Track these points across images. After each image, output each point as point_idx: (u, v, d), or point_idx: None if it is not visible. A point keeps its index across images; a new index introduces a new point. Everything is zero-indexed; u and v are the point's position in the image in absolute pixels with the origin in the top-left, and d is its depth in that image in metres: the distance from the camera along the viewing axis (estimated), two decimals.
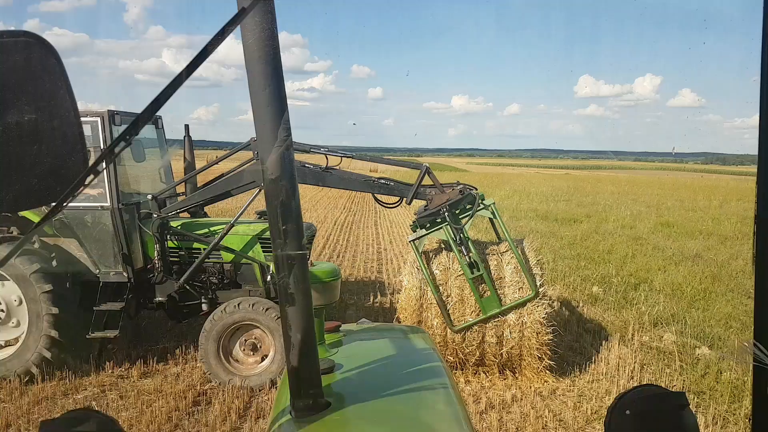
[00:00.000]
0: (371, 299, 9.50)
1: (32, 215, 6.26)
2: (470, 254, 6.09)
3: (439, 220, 6.25)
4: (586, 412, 5.67)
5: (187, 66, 0.87)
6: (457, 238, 6.10)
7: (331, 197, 27.79)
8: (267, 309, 5.97)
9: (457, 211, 6.20)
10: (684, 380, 6.49)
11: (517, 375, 6.37)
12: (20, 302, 6.08)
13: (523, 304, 6.08)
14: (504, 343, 6.20)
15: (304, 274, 1.52)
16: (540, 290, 6.12)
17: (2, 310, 6.08)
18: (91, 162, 0.87)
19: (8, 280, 6.05)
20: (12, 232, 6.33)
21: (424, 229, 6.34)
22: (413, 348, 2.43)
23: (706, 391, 6.16)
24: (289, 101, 1.46)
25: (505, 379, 6.37)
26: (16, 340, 6.15)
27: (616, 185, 47.13)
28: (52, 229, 6.37)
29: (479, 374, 6.46)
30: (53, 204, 0.92)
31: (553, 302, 7.91)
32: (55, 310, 5.97)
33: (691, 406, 1.31)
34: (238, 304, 6.05)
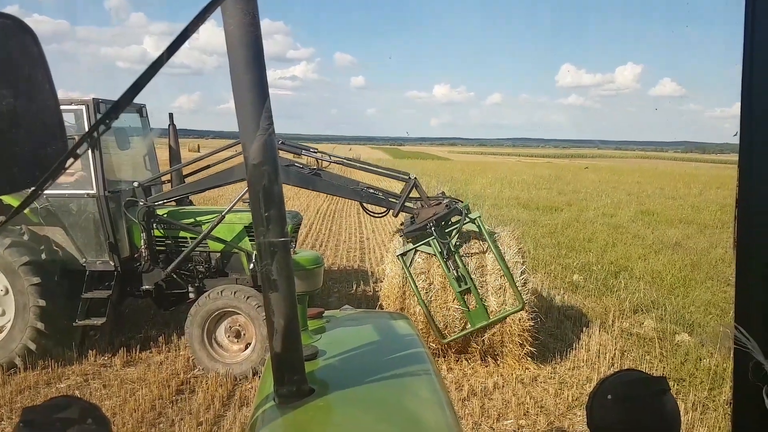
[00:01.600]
0: (354, 287, 9.53)
1: (12, 200, 6.15)
2: (458, 268, 6.15)
3: (425, 233, 6.28)
4: (567, 399, 5.76)
5: (167, 48, 0.86)
6: (444, 251, 6.14)
7: None
8: (248, 297, 5.99)
9: (443, 224, 6.24)
10: (664, 367, 6.62)
11: (498, 362, 6.44)
12: (6, 293, 6.00)
13: (510, 314, 6.17)
14: (486, 330, 6.27)
15: (287, 261, 1.52)
16: (524, 299, 6.18)
17: None
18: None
19: None
20: None
21: (411, 243, 6.39)
22: (396, 334, 2.44)
23: (686, 377, 6.29)
24: (270, 90, 1.46)
25: (486, 367, 6.45)
26: (1, 330, 6.07)
27: (597, 173, 47.60)
28: (38, 218, 6.28)
29: (461, 361, 6.52)
30: (32, 189, 0.91)
31: (534, 291, 8.01)
32: (42, 303, 5.92)
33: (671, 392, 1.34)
34: (221, 291, 6.07)
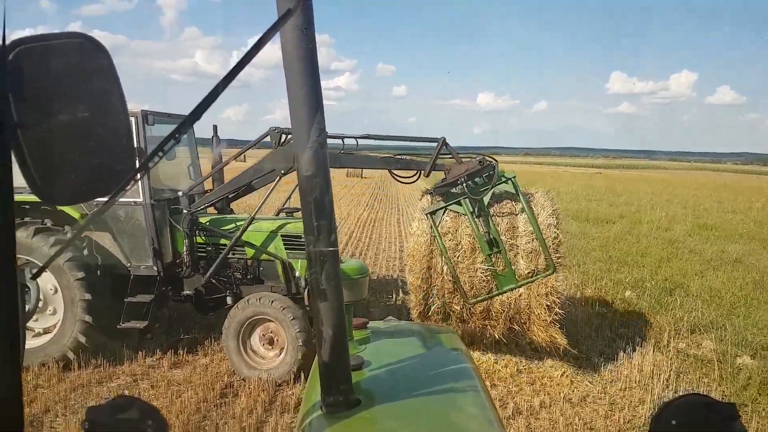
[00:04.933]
0: (394, 297, 9.52)
1: (71, 210, 6.47)
2: (489, 230, 6.01)
3: (456, 191, 6.14)
4: (618, 421, 5.58)
5: (236, 65, 0.90)
6: (476, 210, 6.01)
7: (354, 194, 27.89)
8: (272, 301, 6.14)
9: (477, 183, 6.08)
10: (723, 390, 6.35)
11: (525, 327, 6.26)
12: (56, 291, 6.30)
13: (539, 278, 6.02)
14: (512, 293, 6.14)
15: (336, 270, 1.55)
16: (557, 263, 6.03)
17: (40, 299, 6.30)
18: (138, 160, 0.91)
19: (44, 270, 6.26)
20: (46, 223, 6.54)
21: (441, 202, 6.25)
22: (442, 348, 2.43)
23: (748, 403, 6.00)
24: None
25: (532, 384, 6.32)
26: (54, 326, 6.38)
27: (650, 185, 46.20)
28: (84, 220, 6.57)
29: (486, 344, 6.52)
30: (103, 198, 0.96)
31: (581, 303, 7.82)
32: (88, 296, 6.20)
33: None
34: (248, 300, 6.26)
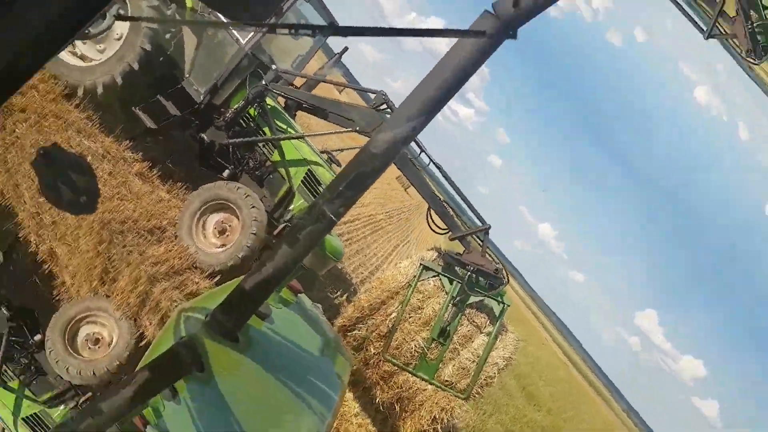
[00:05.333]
0: (337, 295, 9.47)
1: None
2: (450, 323, 6.06)
3: (458, 272, 6.22)
4: None
5: (422, 30, 0.91)
6: (456, 299, 6.08)
7: (387, 197, 27.89)
8: (253, 206, 6.06)
9: (479, 280, 6.14)
10: None
11: (403, 416, 6.37)
12: (121, 38, 6.32)
13: (450, 393, 6.14)
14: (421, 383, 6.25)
15: (320, 234, 1.56)
16: (473, 394, 6.13)
17: (111, 26, 6.23)
18: None
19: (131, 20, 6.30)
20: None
21: (439, 266, 6.36)
22: (331, 365, 2.42)
23: None
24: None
25: None
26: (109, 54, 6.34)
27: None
28: (192, 12, 6.58)
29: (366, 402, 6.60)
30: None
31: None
32: (148, 47, 6.23)
33: None
34: (237, 188, 6.19)
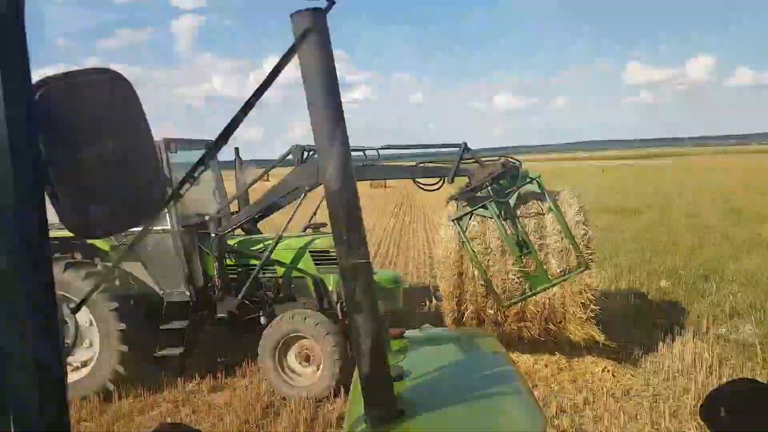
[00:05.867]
0: (427, 305, 9.45)
1: (101, 243, 6.59)
2: (517, 231, 5.99)
3: (482, 195, 6.16)
4: (663, 413, 5.45)
5: (258, 88, 0.91)
6: (502, 212, 6.00)
7: (379, 204, 27.91)
8: (305, 318, 6.14)
9: (502, 185, 6.09)
10: None
11: (561, 327, 6.23)
12: (91, 323, 6.38)
13: (573, 275, 6.01)
14: (546, 293, 6.11)
15: (369, 281, 1.54)
16: (588, 259, 6.00)
17: (78, 333, 6.39)
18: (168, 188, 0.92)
19: (85, 303, 6.35)
20: (75, 257, 6.63)
21: (467, 207, 6.25)
22: (481, 352, 2.40)
23: None
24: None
25: (574, 382, 6.21)
26: (91, 359, 6.45)
27: (676, 173, 45.31)
28: (117, 254, 6.66)
29: (524, 345, 6.53)
30: (135, 228, 0.97)
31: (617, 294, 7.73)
32: (122, 326, 6.24)
33: None
34: (281, 318, 6.27)
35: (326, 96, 1.41)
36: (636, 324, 7.85)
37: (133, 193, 0.91)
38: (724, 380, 6.01)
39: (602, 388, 6.01)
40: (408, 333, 2.61)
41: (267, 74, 0.93)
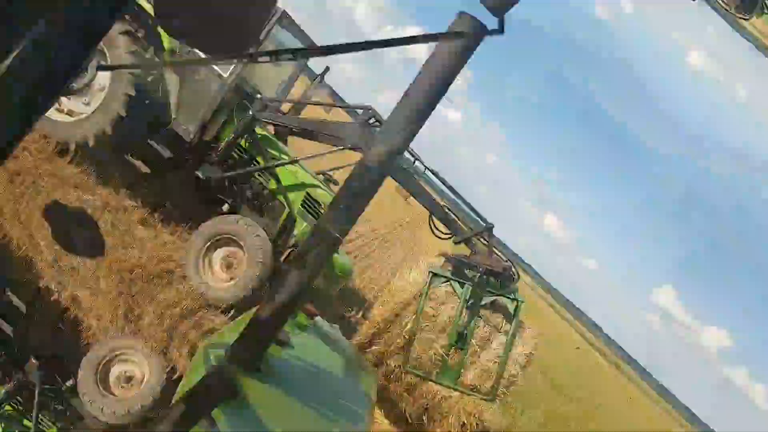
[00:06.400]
0: (352, 313, 9.43)
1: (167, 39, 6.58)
2: (467, 326, 6.03)
3: (468, 274, 6.17)
4: None
5: (399, 39, 0.93)
6: (470, 302, 6.04)
7: (388, 209, 27.88)
8: (249, 227, 6.13)
9: (489, 280, 6.10)
10: None
11: (432, 426, 6.38)
12: (104, 90, 6.34)
13: (476, 397, 6.09)
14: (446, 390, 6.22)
15: (328, 254, 1.57)
16: (499, 395, 6.08)
17: (94, 79, 6.24)
18: None
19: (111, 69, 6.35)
20: (138, 33, 6.54)
21: (449, 272, 6.28)
22: (358, 383, 2.42)
23: None
24: None
25: None
26: (86, 112, 6.35)
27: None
28: (171, 53, 6.61)
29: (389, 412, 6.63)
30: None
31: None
32: (132, 92, 6.15)
33: None
34: (238, 220, 6.26)
35: (428, 95, 1.43)
36: None
37: (238, 16, 0.92)
38: None
39: None
40: (318, 319, 2.64)
41: (404, 39, 0.95)
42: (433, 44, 1.49)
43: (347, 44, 0.92)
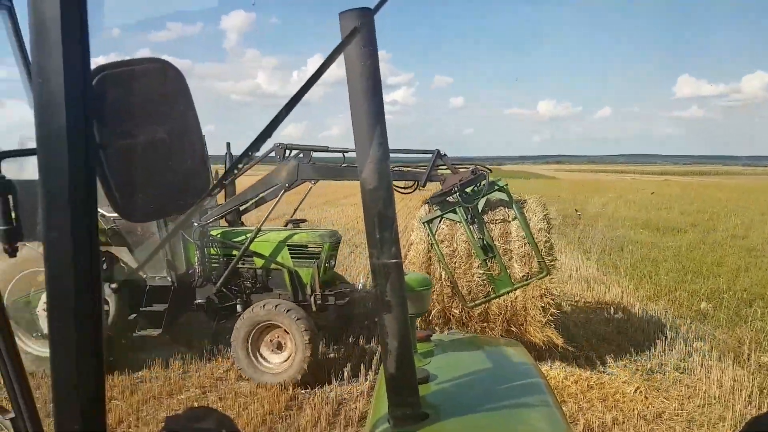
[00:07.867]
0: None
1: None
2: (483, 236, 6.35)
3: (452, 200, 6.52)
4: None
5: (303, 86, 0.93)
6: (470, 217, 6.37)
7: (358, 203, 27.67)
8: (276, 306, 6.40)
9: (470, 192, 6.43)
10: None
11: (522, 329, 6.54)
12: None
13: (533, 281, 6.36)
14: (509, 296, 6.45)
15: (400, 281, 1.55)
16: (549, 265, 6.35)
17: None
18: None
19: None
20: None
21: (438, 211, 6.65)
22: (510, 361, 2.38)
23: None
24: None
25: (604, 401, 6.08)
26: None
27: (723, 192, 43.85)
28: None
29: (554, 359, 6.81)
30: (182, 216, 1.01)
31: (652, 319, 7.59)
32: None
33: None
34: (252, 308, 6.54)
35: (369, 96, 1.43)
36: (673, 345, 7.66)
37: (180, 179, 0.94)
38: (764, 410, 5.80)
39: (633, 409, 5.88)
40: (435, 337, 2.61)
41: (311, 73, 0.95)
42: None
43: (273, 120, 0.92)
